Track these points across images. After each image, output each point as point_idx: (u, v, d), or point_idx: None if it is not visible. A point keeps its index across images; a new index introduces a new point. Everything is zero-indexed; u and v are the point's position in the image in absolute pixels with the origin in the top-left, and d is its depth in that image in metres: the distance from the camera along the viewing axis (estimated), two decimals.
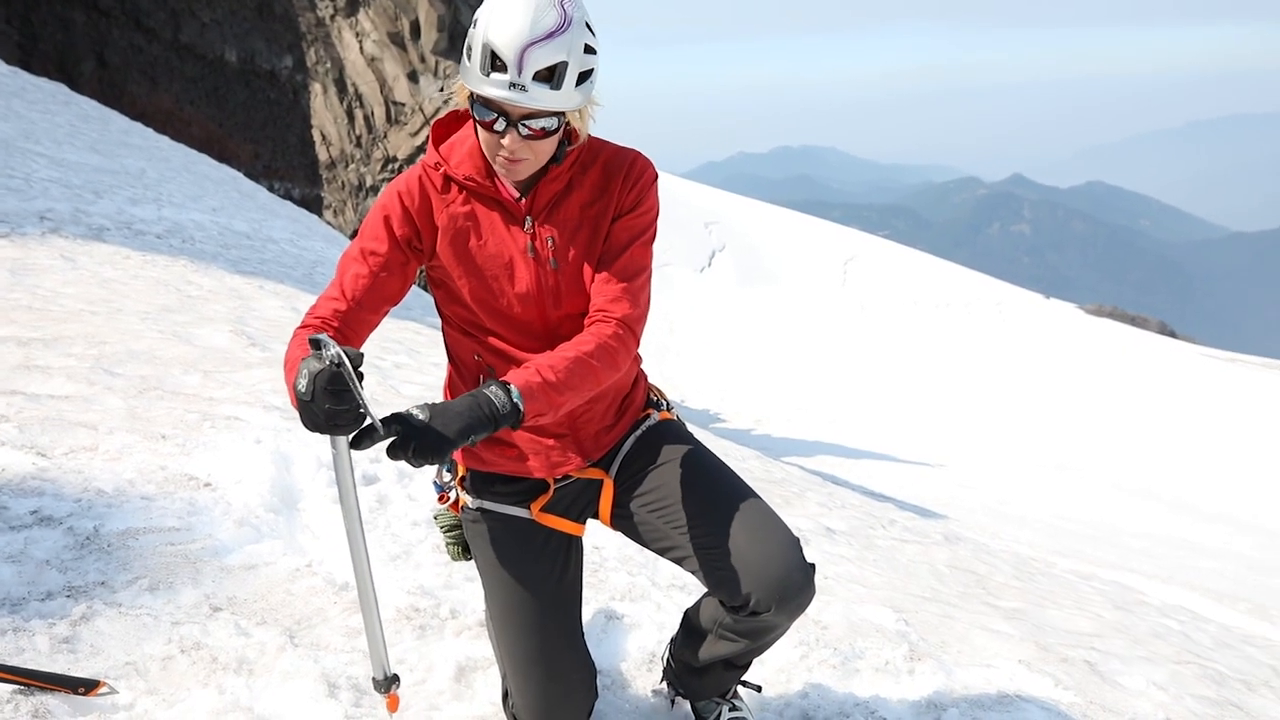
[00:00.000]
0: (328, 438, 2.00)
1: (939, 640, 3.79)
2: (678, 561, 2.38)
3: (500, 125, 2.05)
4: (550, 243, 2.23)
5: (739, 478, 2.44)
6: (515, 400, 1.99)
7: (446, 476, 2.52)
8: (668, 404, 2.58)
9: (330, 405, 1.85)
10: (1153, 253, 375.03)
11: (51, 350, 5.03)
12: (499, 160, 2.12)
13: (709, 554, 2.29)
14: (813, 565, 2.30)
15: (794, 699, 2.97)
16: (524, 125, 2.04)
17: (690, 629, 2.58)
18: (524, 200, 2.22)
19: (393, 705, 2.35)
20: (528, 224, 2.23)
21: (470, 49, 2.03)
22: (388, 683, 2.31)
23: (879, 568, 5.02)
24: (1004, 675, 3.45)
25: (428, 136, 2.33)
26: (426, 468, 2.58)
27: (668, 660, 2.78)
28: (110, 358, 5.08)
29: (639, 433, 2.47)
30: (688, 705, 2.82)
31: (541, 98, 2.00)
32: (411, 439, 1.88)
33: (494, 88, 1.99)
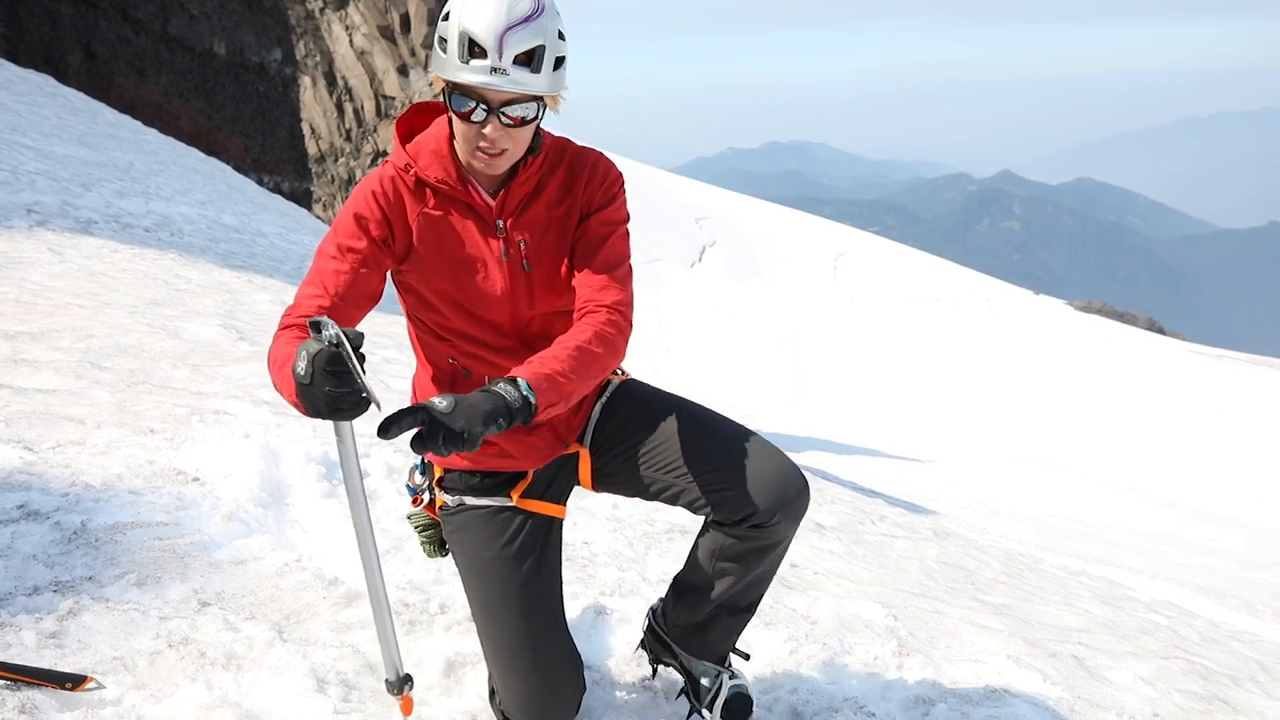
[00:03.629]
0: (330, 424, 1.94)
1: (928, 635, 3.80)
2: (672, 499, 2.41)
3: (480, 115, 2.05)
4: (522, 245, 2.26)
5: (706, 407, 2.48)
6: (525, 393, 1.98)
7: (420, 479, 2.53)
8: (620, 369, 2.59)
9: (330, 388, 1.79)
10: (1141, 249, 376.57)
11: (39, 344, 5.01)
12: (478, 154, 2.11)
13: (707, 479, 2.32)
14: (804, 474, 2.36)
15: (782, 694, 2.97)
16: (504, 114, 2.05)
17: (685, 585, 2.57)
18: (495, 203, 2.24)
19: (406, 708, 2.33)
20: (500, 227, 2.24)
21: (444, 40, 2.03)
22: (400, 683, 2.28)
23: (868, 563, 5.03)
24: (992, 670, 3.46)
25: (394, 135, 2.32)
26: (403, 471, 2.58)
27: (654, 631, 2.75)
28: (98, 352, 5.06)
29: (604, 399, 2.50)
30: (668, 694, 2.82)
31: (523, 81, 2.01)
32: (439, 427, 1.85)
33: (474, 74, 1.99)
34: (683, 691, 2.73)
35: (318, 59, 30.43)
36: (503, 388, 1.97)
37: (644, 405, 2.48)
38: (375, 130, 30.93)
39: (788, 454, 2.37)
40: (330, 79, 30.63)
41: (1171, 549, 14.15)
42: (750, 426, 2.46)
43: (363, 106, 30.88)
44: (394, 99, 30.67)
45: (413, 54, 30.34)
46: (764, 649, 3.26)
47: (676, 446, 2.38)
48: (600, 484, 2.51)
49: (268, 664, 2.69)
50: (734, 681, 2.64)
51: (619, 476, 2.47)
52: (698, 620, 2.58)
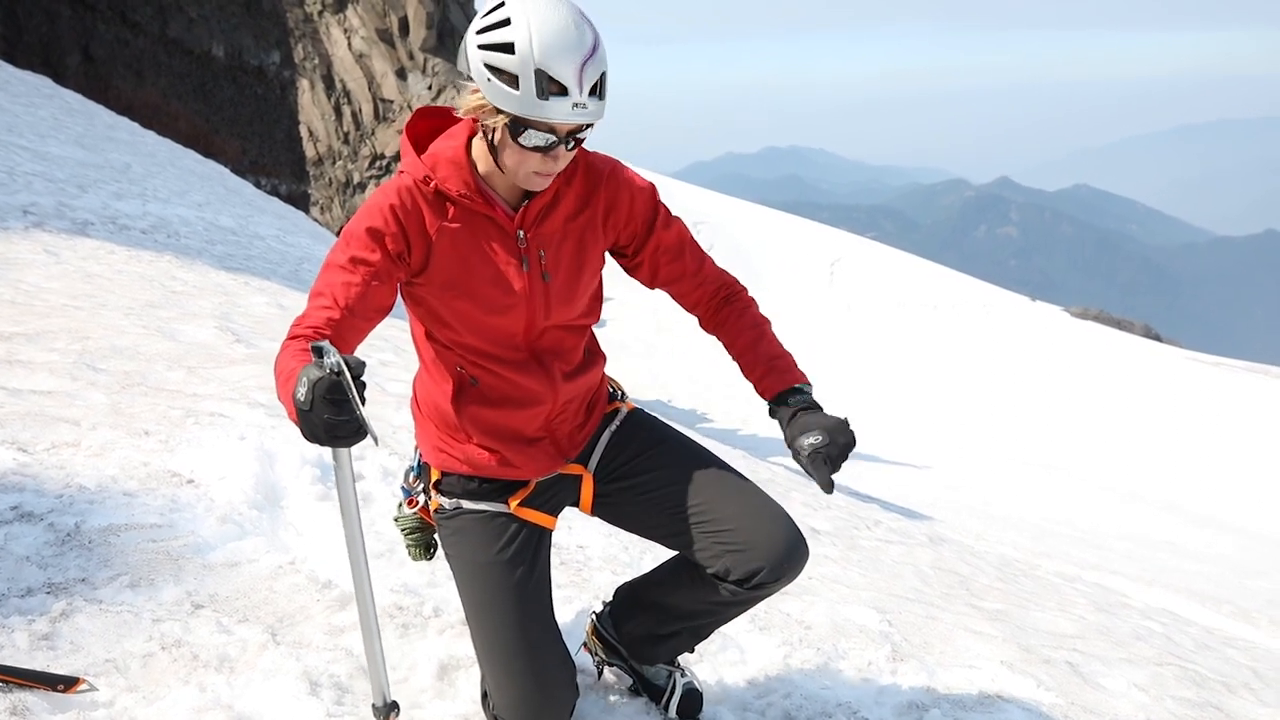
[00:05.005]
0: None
1: (922, 641, 3.80)
2: (674, 544, 2.45)
3: (550, 142, 2.04)
4: (542, 256, 2.26)
5: (717, 456, 2.51)
6: (807, 389, 2.40)
7: (415, 481, 2.53)
8: (623, 393, 2.63)
9: (329, 415, 1.79)
10: (1139, 256, 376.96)
11: (34, 345, 5.00)
12: (534, 177, 2.12)
13: (717, 536, 2.36)
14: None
15: (776, 699, 2.97)
16: (571, 139, 2.07)
17: (652, 602, 2.61)
18: (516, 215, 2.24)
19: None
20: (520, 238, 2.24)
21: (509, 75, 1.98)
22: (387, 710, 2.27)
23: (863, 568, 5.03)
24: (986, 676, 3.46)
25: (402, 145, 2.30)
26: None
27: (600, 636, 2.80)
28: (93, 353, 5.05)
29: (613, 428, 2.53)
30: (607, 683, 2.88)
31: (596, 111, 2.03)
32: (840, 450, 2.27)
33: (557, 111, 1.98)
34: (632, 689, 2.85)
35: (316, 62, 30.43)
36: (800, 398, 2.38)
37: (655, 442, 2.51)
38: (373, 134, 30.94)
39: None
40: (329, 82, 30.63)
41: (1167, 555, 14.15)
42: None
43: (361, 110, 30.88)
44: (392, 102, 30.68)
45: (411, 57, 30.35)
46: (758, 653, 3.26)
47: (685, 493, 2.41)
48: (599, 511, 2.54)
49: (261, 667, 2.69)
50: (685, 680, 2.77)
51: (621, 509, 2.50)
52: (659, 633, 2.64)
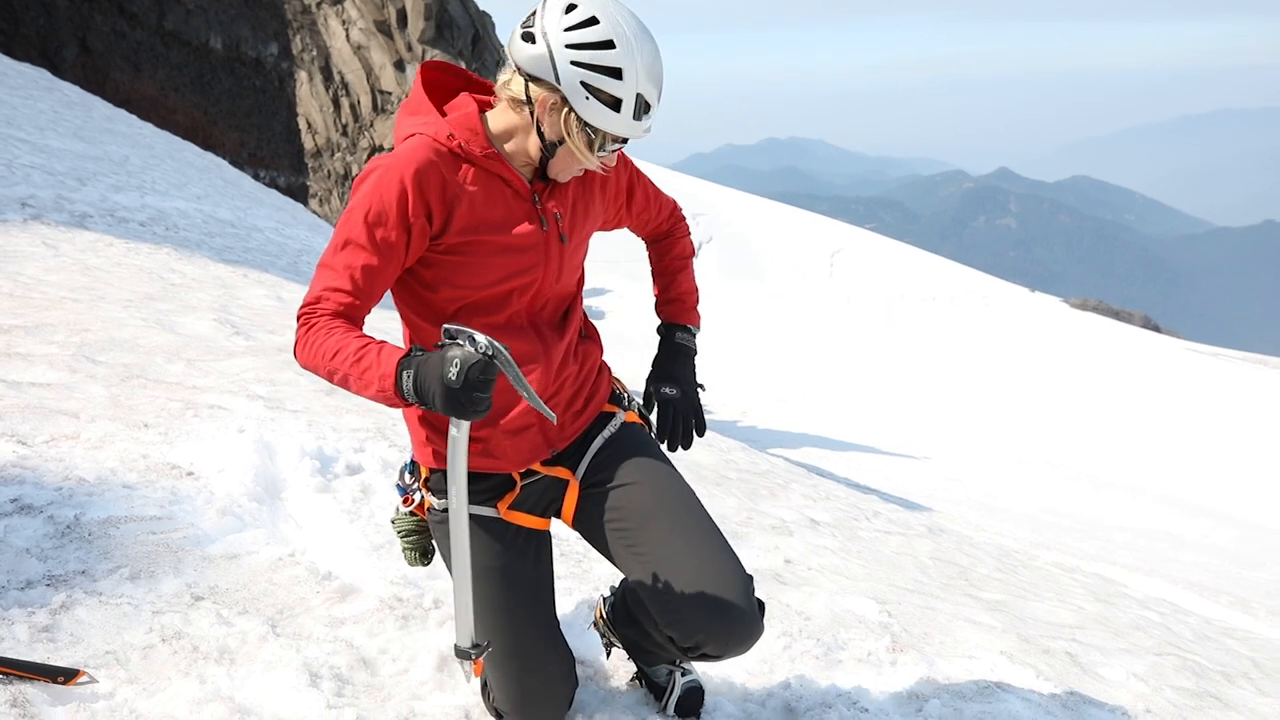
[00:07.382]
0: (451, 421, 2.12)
1: (921, 631, 3.80)
2: (629, 576, 2.42)
3: (619, 146, 2.19)
4: (559, 219, 2.30)
5: (698, 505, 2.42)
6: (695, 331, 2.67)
7: (409, 479, 2.52)
8: (629, 400, 2.59)
9: (478, 393, 1.94)
10: (1138, 247, 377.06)
11: (33, 338, 5.00)
12: (578, 169, 2.24)
13: (664, 595, 2.29)
14: (762, 606, 2.35)
15: (776, 689, 2.98)
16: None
17: (635, 617, 2.56)
18: (534, 181, 2.28)
19: (479, 670, 2.43)
20: (536, 201, 2.28)
21: (614, 99, 2.09)
22: (479, 650, 2.35)
23: (862, 559, 5.03)
24: (985, 666, 3.46)
25: (418, 96, 2.29)
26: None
27: (608, 621, 2.75)
28: (92, 346, 5.05)
29: (606, 435, 2.48)
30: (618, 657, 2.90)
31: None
32: (688, 415, 2.53)
33: (644, 127, 2.16)
34: (636, 678, 2.84)
35: (314, 54, 30.38)
36: (683, 338, 2.64)
37: (638, 474, 2.42)
38: (372, 125, 30.90)
39: (751, 578, 2.35)
40: (327, 74, 30.58)
41: (1166, 546, 14.19)
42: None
43: (359, 101, 30.83)
44: (390, 94, 30.64)
45: (409, 48, 30.30)
46: (758, 645, 3.26)
47: (649, 545, 2.34)
48: (578, 526, 2.49)
49: (261, 658, 2.69)
50: (686, 678, 2.72)
51: (591, 531, 2.46)
52: (646, 646, 2.62)
